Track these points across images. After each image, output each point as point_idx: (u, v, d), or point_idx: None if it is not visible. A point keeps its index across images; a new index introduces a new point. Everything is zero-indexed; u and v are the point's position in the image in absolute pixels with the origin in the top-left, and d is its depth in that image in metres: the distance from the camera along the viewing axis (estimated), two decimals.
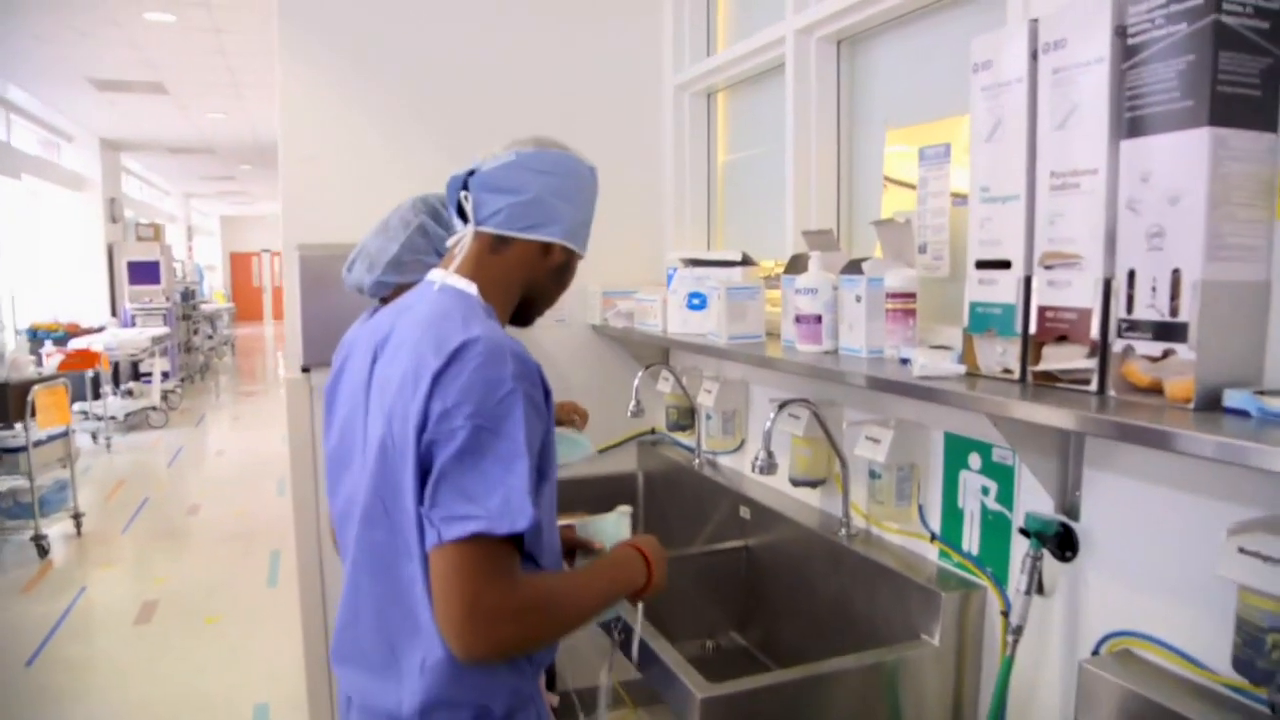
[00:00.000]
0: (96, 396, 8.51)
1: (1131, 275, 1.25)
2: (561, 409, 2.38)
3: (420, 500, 1.22)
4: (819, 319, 1.94)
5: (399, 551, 1.27)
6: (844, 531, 2.08)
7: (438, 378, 1.22)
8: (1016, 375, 1.44)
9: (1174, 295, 1.19)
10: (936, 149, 1.92)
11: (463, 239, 1.39)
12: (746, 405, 2.66)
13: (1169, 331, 1.20)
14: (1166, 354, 1.21)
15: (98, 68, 7.70)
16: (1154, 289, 1.22)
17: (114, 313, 11.23)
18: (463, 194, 1.39)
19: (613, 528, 1.70)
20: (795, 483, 2.24)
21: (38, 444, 5.42)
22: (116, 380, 9.55)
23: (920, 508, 1.90)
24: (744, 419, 2.68)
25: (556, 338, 3.18)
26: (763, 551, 2.41)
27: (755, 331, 2.26)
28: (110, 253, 11.41)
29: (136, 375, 9.97)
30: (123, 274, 11.11)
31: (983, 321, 1.50)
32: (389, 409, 1.27)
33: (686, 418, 2.95)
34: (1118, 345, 1.28)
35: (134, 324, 10.69)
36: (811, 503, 2.32)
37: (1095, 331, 1.31)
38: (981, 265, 1.50)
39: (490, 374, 1.22)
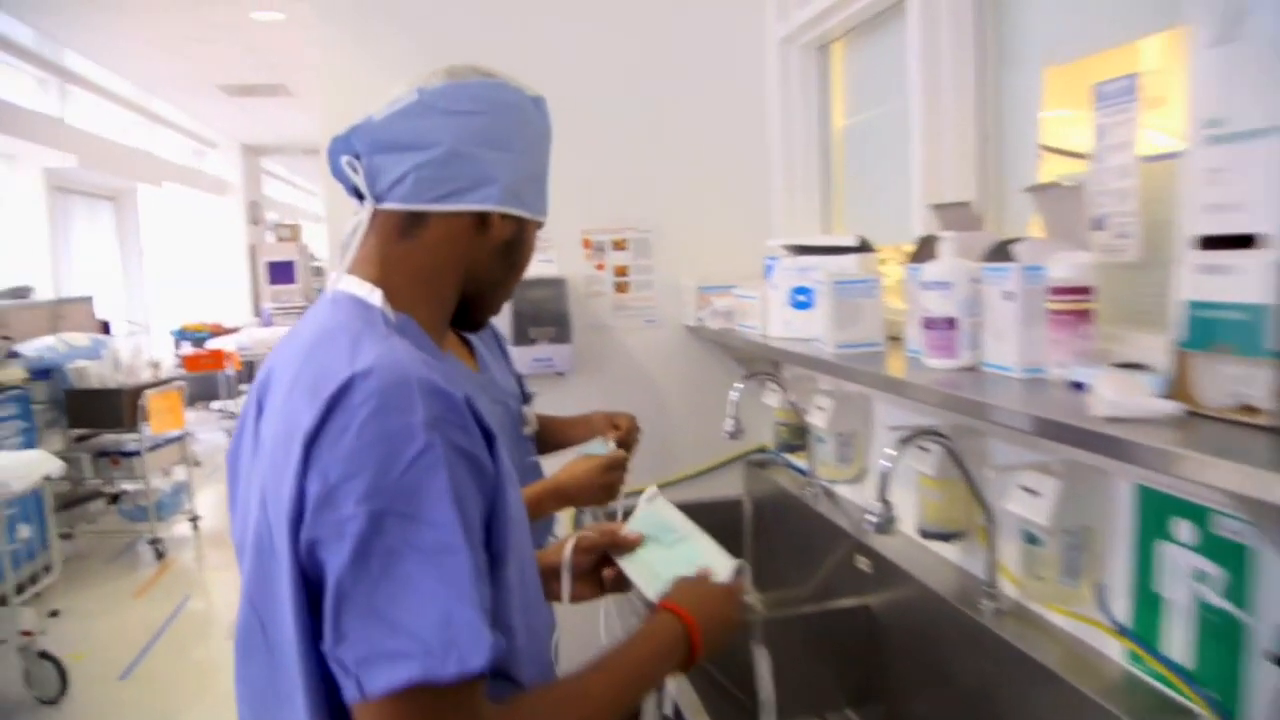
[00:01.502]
0: (232, 395, 8.65)
1: None
2: (595, 423, 1.90)
3: (308, 627, 0.81)
4: (953, 323, 1.42)
5: (281, 697, 0.86)
6: (988, 604, 1.56)
7: (312, 440, 0.80)
8: (1267, 418, 0.90)
9: None
10: (1119, 83, 1.37)
11: (359, 224, 0.98)
12: (868, 427, 2.15)
13: None
14: None
15: (221, 74, 7.76)
16: None
17: (256, 313, 11.51)
18: (347, 160, 0.97)
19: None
20: (925, 534, 1.72)
21: (154, 447, 5.40)
22: (252, 379, 9.73)
23: (1099, 587, 1.36)
24: (864, 444, 2.17)
25: (645, 341, 2.73)
26: (886, 615, 1.90)
27: (871, 338, 1.75)
28: (253, 254, 11.71)
29: None
30: (263, 274, 11.37)
31: (1208, 332, 0.97)
32: (262, 488, 0.86)
33: (798, 437, 2.45)
34: None
35: (272, 323, 10.89)
36: (949, 557, 1.80)
37: None
38: (1208, 244, 0.96)
39: (389, 425, 0.80)
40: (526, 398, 1.79)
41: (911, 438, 1.51)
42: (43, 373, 5.04)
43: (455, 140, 0.96)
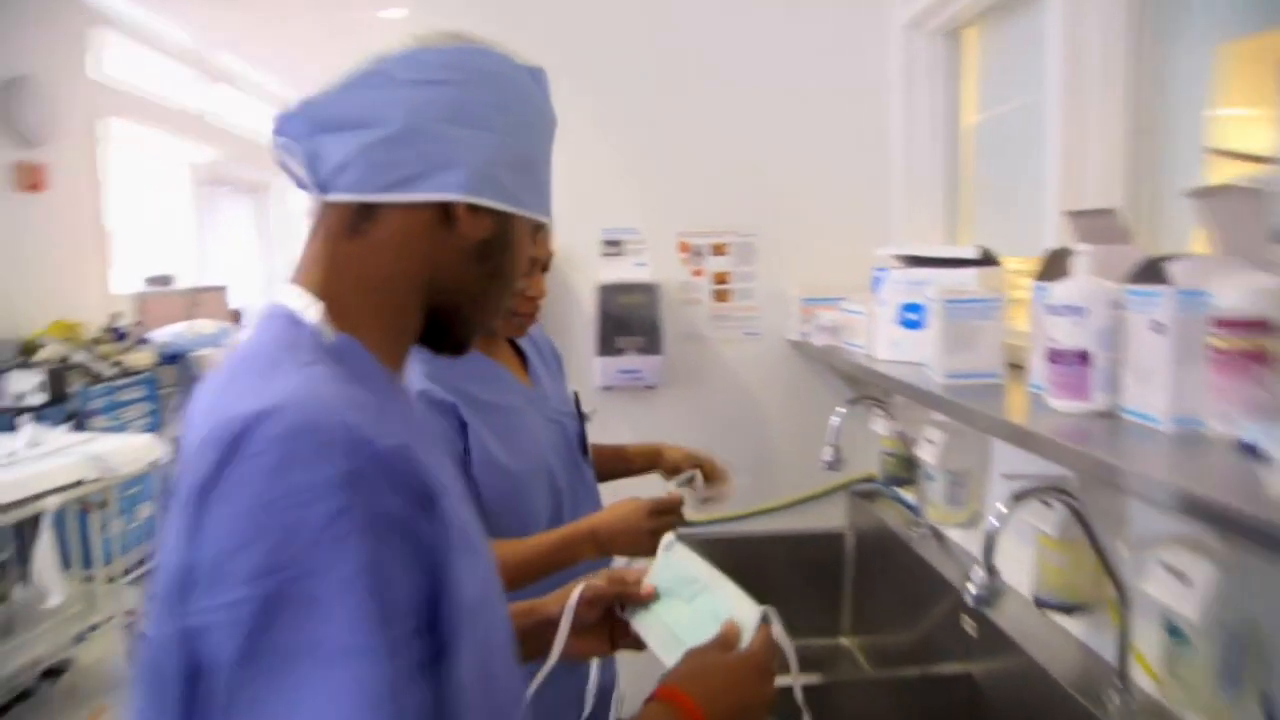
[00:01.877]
0: None
1: None
2: (669, 457, 1.67)
3: None
4: (1085, 357, 1.16)
5: None
6: (1116, 699, 1.28)
7: (201, 499, 0.63)
8: None
9: None
10: None
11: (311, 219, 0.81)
12: (984, 466, 1.87)
13: None
14: None
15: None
16: None
17: None
18: (279, 140, 0.79)
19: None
20: (1041, 604, 1.45)
21: None
22: None
23: (1269, 702, 1.07)
24: (979, 485, 1.89)
25: (744, 354, 2.52)
26: (991, 688, 1.63)
27: (988, 367, 1.49)
28: None
29: None
30: None
31: None
32: (160, 558, 0.70)
33: (906, 470, 2.19)
34: None
35: None
36: (1070, 630, 1.51)
37: None
38: None
39: (293, 483, 0.62)
40: (583, 418, 1.60)
41: (1027, 494, 1.24)
42: (171, 358, 5.21)
43: (411, 114, 0.77)
